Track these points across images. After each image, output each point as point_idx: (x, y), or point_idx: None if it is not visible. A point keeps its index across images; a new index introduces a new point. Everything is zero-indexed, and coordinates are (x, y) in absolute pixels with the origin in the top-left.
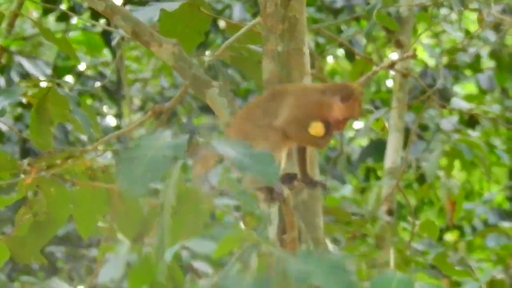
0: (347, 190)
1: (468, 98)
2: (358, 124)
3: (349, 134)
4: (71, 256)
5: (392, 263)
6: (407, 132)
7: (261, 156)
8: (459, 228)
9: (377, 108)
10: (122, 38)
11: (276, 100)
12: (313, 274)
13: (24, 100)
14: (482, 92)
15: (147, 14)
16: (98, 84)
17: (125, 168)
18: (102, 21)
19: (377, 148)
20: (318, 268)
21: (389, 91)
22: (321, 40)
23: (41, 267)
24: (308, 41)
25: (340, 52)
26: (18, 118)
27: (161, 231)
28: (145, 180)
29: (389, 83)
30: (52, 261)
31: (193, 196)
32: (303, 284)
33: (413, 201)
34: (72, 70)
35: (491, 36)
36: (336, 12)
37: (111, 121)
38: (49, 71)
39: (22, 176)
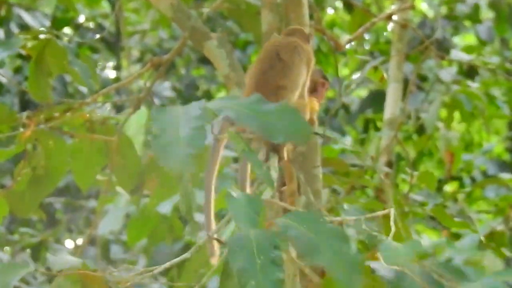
0: (346, 141)
1: (467, 49)
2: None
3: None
4: (70, 208)
5: (392, 217)
6: (406, 83)
7: (289, 112)
8: (459, 179)
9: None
10: None
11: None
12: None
13: (23, 52)
14: (482, 43)
15: None
16: (97, 36)
17: (162, 145)
18: None
19: (376, 99)
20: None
21: (388, 42)
22: None
23: (40, 218)
24: None
25: (339, 3)
26: (17, 70)
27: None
28: (189, 150)
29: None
30: (51, 212)
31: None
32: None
33: (412, 153)
34: (71, 22)
35: None
36: None
37: (110, 73)
38: (48, 23)
39: (21, 129)
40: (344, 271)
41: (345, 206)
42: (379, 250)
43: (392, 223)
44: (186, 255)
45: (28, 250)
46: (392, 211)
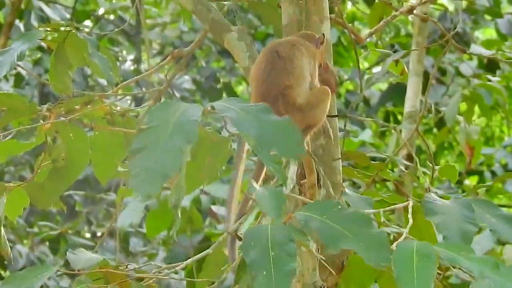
0: (367, 134)
1: (488, 43)
2: (377, 69)
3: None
4: (89, 200)
5: (410, 209)
6: (426, 76)
7: (287, 129)
8: (479, 173)
9: (396, 52)
10: None
11: (287, 62)
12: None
13: (43, 44)
14: (502, 37)
15: None
16: (117, 28)
17: (136, 163)
18: None
19: (396, 92)
20: (343, 226)
21: (408, 35)
22: None
23: (59, 211)
24: None
25: None
26: (37, 62)
27: (178, 179)
28: (156, 178)
29: (409, 27)
30: (70, 205)
31: (212, 141)
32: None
33: (432, 146)
34: (91, 14)
35: None
36: None
37: (130, 66)
38: (68, 16)
39: (41, 121)
40: (373, 251)
41: (347, 190)
42: (394, 254)
43: (410, 215)
44: (207, 251)
45: (47, 243)
46: (411, 204)
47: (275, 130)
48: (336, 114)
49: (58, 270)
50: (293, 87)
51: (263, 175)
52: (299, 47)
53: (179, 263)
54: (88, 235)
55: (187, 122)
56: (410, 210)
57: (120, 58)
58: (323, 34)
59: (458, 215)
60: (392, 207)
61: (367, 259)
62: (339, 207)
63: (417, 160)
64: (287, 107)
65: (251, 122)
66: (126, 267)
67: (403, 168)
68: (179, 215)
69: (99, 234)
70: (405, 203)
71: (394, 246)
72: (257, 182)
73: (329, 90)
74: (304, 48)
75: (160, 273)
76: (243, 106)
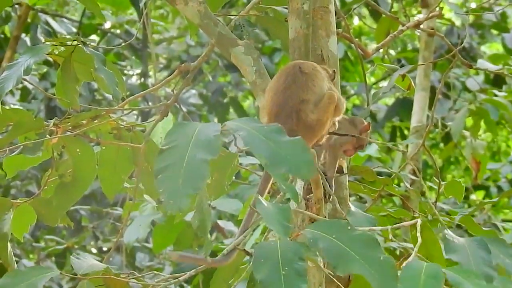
0: (373, 149)
1: (494, 58)
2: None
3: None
4: (95, 215)
5: (419, 227)
6: (433, 91)
7: (300, 149)
8: (485, 188)
9: (402, 67)
10: None
11: (308, 78)
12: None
13: (50, 59)
14: (508, 51)
15: None
16: (124, 42)
17: (164, 181)
18: None
19: (403, 106)
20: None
21: (415, 50)
22: None
23: (65, 226)
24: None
25: (366, 11)
26: (44, 77)
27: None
28: (187, 191)
29: (415, 42)
30: (76, 219)
31: (220, 156)
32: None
33: (439, 161)
34: (97, 28)
35: None
36: None
37: (136, 80)
38: (74, 30)
39: (48, 136)
40: (379, 277)
41: (352, 207)
42: (402, 272)
43: (418, 234)
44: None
45: (53, 258)
46: (419, 222)
47: (286, 150)
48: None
49: (61, 273)
50: (309, 103)
51: (268, 188)
52: (320, 70)
53: (184, 273)
54: (94, 250)
55: (207, 137)
56: (418, 228)
57: (126, 73)
58: (334, 71)
59: (477, 258)
60: (400, 224)
61: (374, 286)
62: (348, 227)
63: (423, 175)
64: (299, 124)
65: (263, 142)
66: (128, 276)
67: (409, 184)
68: (209, 236)
69: (105, 249)
70: (413, 221)
71: (403, 265)
72: (262, 196)
73: (335, 96)
74: (324, 73)
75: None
76: (256, 125)
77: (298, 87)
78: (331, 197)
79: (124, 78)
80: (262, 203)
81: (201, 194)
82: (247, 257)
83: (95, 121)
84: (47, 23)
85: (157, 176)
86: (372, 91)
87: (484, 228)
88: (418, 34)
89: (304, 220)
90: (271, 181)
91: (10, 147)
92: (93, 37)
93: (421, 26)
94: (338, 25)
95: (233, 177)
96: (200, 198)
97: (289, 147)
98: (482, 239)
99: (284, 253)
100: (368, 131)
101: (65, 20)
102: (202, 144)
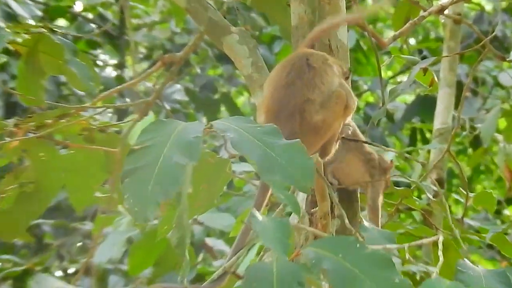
0: (390, 155)
1: None
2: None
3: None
4: (61, 230)
5: (440, 245)
6: (459, 87)
7: (297, 152)
8: None
9: (424, 59)
10: None
11: (316, 74)
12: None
13: (10, 47)
14: None
15: None
16: (97, 28)
17: (132, 185)
18: None
19: (424, 105)
20: (361, 269)
21: (439, 39)
22: None
23: (26, 243)
24: None
25: None
26: (2, 67)
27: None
28: (156, 198)
29: (439, 30)
30: (38, 235)
31: (209, 162)
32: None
33: (466, 169)
34: (66, 11)
35: None
36: None
37: (112, 72)
38: (39, 13)
39: (7, 138)
40: None
41: (365, 223)
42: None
43: (440, 253)
44: None
45: (9, 281)
46: (441, 238)
47: (282, 154)
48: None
49: None
50: (315, 103)
51: (266, 201)
52: (331, 64)
53: None
54: (59, 272)
55: (188, 139)
56: (440, 246)
57: (100, 64)
58: (349, 69)
59: None
60: (419, 242)
61: None
62: (358, 245)
63: (448, 186)
64: (303, 126)
65: (255, 145)
66: None
67: (431, 196)
68: (187, 256)
69: (72, 271)
70: (434, 238)
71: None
72: (259, 210)
73: (344, 95)
74: (336, 69)
75: None
76: (247, 126)
77: (304, 84)
78: (340, 211)
79: (97, 70)
80: (258, 217)
81: (182, 206)
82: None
83: (62, 121)
84: (7, 5)
85: (124, 179)
86: (389, 87)
87: None
88: (443, 21)
89: (307, 239)
90: (269, 192)
91: None
92: (61, 22)
93: (446, 11)
94: (349, 10)
95: (225, 188)
96: (180, 211)
97: (285, 151)
98: (504, 272)
99: (281, 276)
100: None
101: (28, 1)
102: (181, 146)
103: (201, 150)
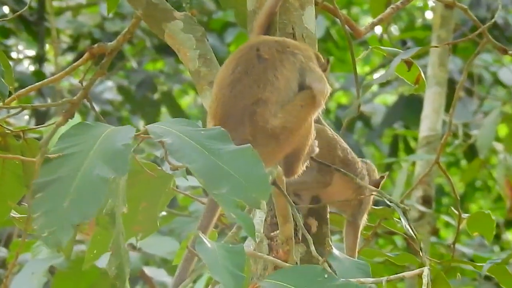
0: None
1: None
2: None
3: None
4: None
5: (427, 277)
6: (451, 85)
7: (248, 159)
8: None
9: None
10: None
11: (269, 67)
12: None
13: None
14: None
15: None
16: (12, 13)
17: (44, 202)
18: None
19: (409, 108)
20: None
21: (427, 27)
22: None
23: None
24: None
25: None
26: None
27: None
28: (73, 219)
29: (428, 15)
30: None
31: (148, 176)
32: None
33: (459, 185)
34: None
35: None
36: None
37: (29, 66)
38: None
39: None
40: None
41: (335, 252)
42: None
43: (426, 277)
44: None
45: None
46: (427, 271)
47: (229, 162)
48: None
49: None
50: (268, 103)
51: (214, 221)
52: (294, 52)
53: None
54: None
55: (114, 148)
56: (425, 280)
57: (14, 56)
58: (328, 59)
59: None
60: (400, 274)
61: None
62: (326, 276)
63: (437, 205)
64: (256, 133)
65: (198, 152)
66: None
67: (416, 217)
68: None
69: None
70: (419, 270)
71: None
72: (205, 232)
73: (315, 96)
74: (301, 54)
75: None
76: (188, 129)
77: (253, 80)
78: (305, 235)
79: (11, 63)
80: (204, 243)
81: (117, 229)
82: None
83: None
84: None
85: (36, 194)
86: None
87: None
88: (432, 5)
89: (266, 268)
90: (218, 210)
91: None
92: None
93: None
94: None
95: (167, 207)
96: (116, 235)
97: (234, 158)
98: None
99: None
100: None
101: None
102: (106, 155)
103: (129, 161)
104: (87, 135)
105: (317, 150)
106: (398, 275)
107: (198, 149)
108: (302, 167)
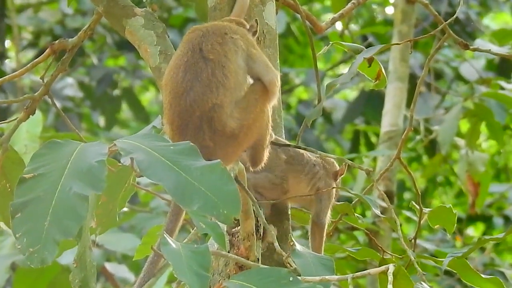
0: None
1: (501, 35)
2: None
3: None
4: None
5: (391, 276)
6: (413, 81)
7: (218, 175)
8: (486, 219)
9: (370, 46)
10: None
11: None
12: None
13: None
14: None
15: None
16: None
17: (24, 223)
18: None
19: (370, 103)
20: None
21: (388, 23)
22: None
23: None
24: None
25: None
26: None
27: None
28: (55, 237)
29: (389, 11)
30: None
31: (109, 173)
32: None
33: (421, 180)
34: None
35: None
36: None
37: None
38: None
39: None
40: None
41: (298, 247)
42: None
43: (390, 286)
44: None
45: None
46: (391, 268)
47: (200, 179)
48: (285, 141)
49: None
50: (224, 106)
51: (180, 222)
52: (233, 36)
53: None
54: None
55: (88, 164)
56: (390, 278)
57: None
58: (256, 20)
59: None
60: (365, 272)
61: None
62: (291, 279)
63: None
64: (215, 136)
65: (168, 169)
66: None
67: (378, 212)
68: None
69: None
70: (383, 267)
71: None
72: (171, 235)
73: (266, 88)
74: (240, 38)
75: None
76: (158, 145)
77: (204, 86)
78: (267, 231)
79: None
80: (170, 245)
81: (83, 242)
82: None
83: None
84: None
85: (15, 215)
86: (326, 81)
87: (484, 276)
88: (392, 1)
89: (227, 264)
90: (183, 213)
91: None
92: None
93: None
94: None
95: (128, 202)
96: (83, 247)
97: (204, 174)
98: None
99: None
100: (342, 176)
101: None
102: (82, 172)
103: (105, 175)
104: (59, 153)
105: (273, 135)
106: (363, 272)
107: (168, 165)
108: (266, 155)
